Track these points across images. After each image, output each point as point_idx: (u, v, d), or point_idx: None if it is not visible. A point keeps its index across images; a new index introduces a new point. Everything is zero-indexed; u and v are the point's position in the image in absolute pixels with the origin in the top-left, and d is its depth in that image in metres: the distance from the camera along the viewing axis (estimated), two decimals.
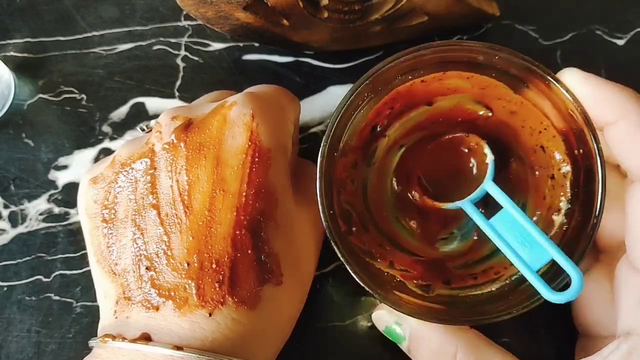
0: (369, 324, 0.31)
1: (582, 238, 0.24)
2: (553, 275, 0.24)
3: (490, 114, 0.28)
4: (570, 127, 0.25)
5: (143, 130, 0.30)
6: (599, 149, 0.24)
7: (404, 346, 0.27)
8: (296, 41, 0.34)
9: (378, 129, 0.29)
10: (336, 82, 0.37)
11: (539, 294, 0.23)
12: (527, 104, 0.27)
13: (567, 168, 0.26)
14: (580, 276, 0.22)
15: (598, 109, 0.24)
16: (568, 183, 0.26)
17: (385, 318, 0.28)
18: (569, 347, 0.29)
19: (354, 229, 0.27)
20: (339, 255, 0.25)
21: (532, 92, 0.26)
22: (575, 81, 0.24)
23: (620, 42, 0.37)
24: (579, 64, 0.36)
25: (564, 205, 0.26)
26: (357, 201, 0.28)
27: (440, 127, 0.29)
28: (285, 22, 0.32)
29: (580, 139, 0.25)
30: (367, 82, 0.26)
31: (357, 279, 0.25)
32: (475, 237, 0.29)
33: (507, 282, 0.26)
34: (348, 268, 0.25)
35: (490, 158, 0.27)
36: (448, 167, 0.29)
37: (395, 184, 0.30)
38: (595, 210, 0.24)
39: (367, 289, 0.25)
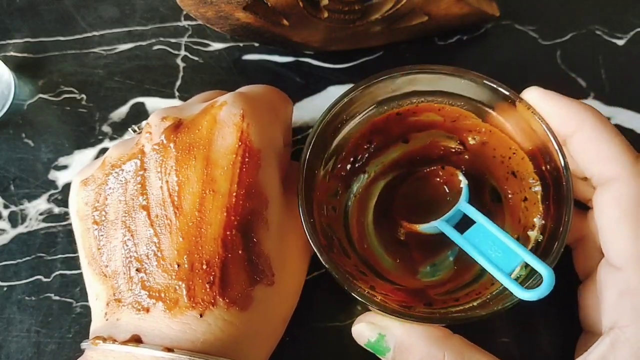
0: None
1: (556, 240, 0.25)
2: (529, 278, 0.25)
3: (462, 149, 0.30)
4: (536, 144, 0.27)
5: (135, 131, 0.30)
6: (563, 155, 0.25)
7: (387, 359, 0.27)
8: (296, 41, 0.35)
9: (358, 164, 0.30)
10: (336, 82, 0.37)
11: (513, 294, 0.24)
12: (496, 131, 0.28)
13: (537, 187, 0.27)
14: (549, 272, 0.23)
15: (558, 122, 0.26)
16: (539, 199, 0.27)
17: (366, 333, 0.27)
18: (568, 346, 0.29)
19: (334, 250, 0.27)
20: (323, 262, 0.25)
21: (499, 117, 0.28)
22: (536, 98, 0.26)
23: (620, 42, 0.37)
24: (579, 64, 0.36)
25: (537, 221, 0.27)
26: (338, 228, 0.29)
27: (418, 164, 0.31)
28: (285, 22, 0.32)
29: (546, 154, 0.26)
30: (346, 99, 0.27)
31: (344, 286, 0.25)
32: (455, 268, 0.29)
33: (489, 296, 0.26)
34: (330, 269, 0.25)
35: (464, 182, 0.29)
36: (426, 197, 0.31)
37: (375, 217, 0.30)
38: (565, 214, 0.25)
39: (353, 294, 0.25)
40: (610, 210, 0.24)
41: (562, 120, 0.26)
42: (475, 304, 0.26)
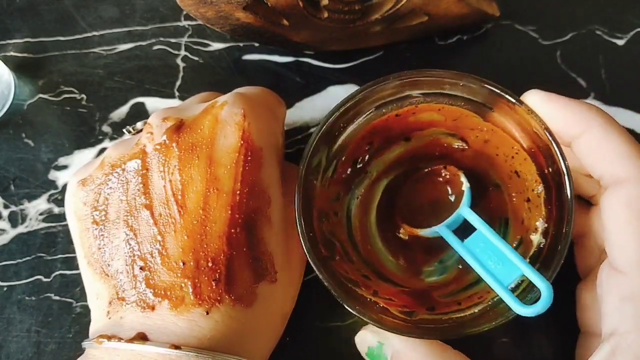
0: None
1: (556, 252, 0.24)
2: (528, 290, 0.25)
3: (465, 146, 0.30)
4: (538, 146, 0.26)
5: (129, 132, 0.30)
6: (566, 165, 0.25)
7: None
8: (296, 41, 0.35)
9: (359, 165, 0.30)
10: (336, 82, 0.37)
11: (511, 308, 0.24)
12: (498, 131, 0.28)
13: (539, 188, 0.27)
14: (548, 288, 0.23)
15: (562, 125, 0.25)
16: (542, 202, 0.27)
17: (368, 339, 0.27)
18: (568, 347, 0.28)
19: (337, 257, 0.27)
20: (321, 277, 0.25)
21: (500, 117, 0.27)
22: (537, 101, 0.25)
23: (620, 42, 0.37)
24: (579, 64, 0.36)
25: (540, 224, 0.27)
26: (340, 232, 0.29)
27: (420, 162, 0.30)
28: (285, 22, 0.32)
29: (549, 157, 0.26)
30: (342, 109, 0.27)
31: (340, 301, 0.25)
32: (460, 267, 0.29)
33: (489, 303, 0.26)
34: (329, 287, 0.25)
35: (465, 185, 0.29)
36: (428, 198, 0.30)
37: (378, 217, 0.30)
38: (566, 225, 0.24)
39: (348, 309, 0.25)
40: (618, 212, 0.24)
41: (567, 122, 0.25)
42: (476, 310, 0.26)
